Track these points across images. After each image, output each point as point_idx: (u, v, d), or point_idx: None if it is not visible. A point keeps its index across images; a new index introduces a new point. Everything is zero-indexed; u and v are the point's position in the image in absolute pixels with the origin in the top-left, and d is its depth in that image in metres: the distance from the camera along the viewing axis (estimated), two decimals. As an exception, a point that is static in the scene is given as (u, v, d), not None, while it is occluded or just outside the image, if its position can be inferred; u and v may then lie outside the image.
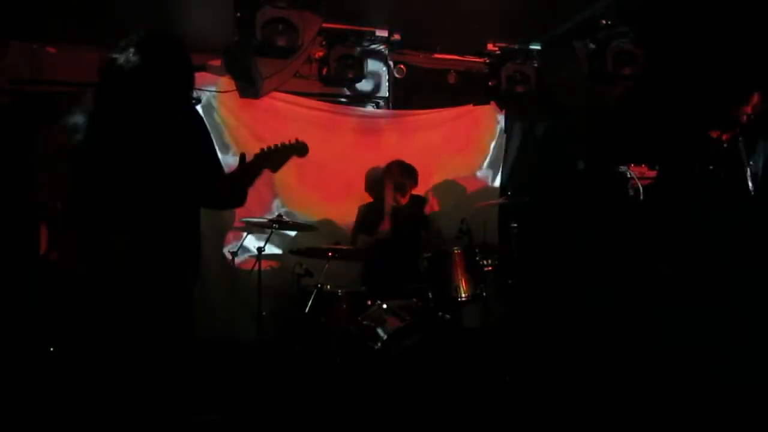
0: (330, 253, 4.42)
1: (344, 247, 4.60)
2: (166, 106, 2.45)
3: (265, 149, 2.81)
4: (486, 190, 5.94)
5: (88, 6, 4.11)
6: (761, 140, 4.19)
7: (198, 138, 2.66)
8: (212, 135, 5.03)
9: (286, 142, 2.88)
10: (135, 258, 2.36)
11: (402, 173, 5.05)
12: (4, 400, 3.15)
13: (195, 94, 2.58)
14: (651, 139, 5.34)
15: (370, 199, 5.43)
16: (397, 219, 5.05)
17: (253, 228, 4.83)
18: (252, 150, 5.21)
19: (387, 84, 5.70)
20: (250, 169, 2.75)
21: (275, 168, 2.84)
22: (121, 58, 2.37)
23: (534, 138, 6.16)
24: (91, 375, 2.34)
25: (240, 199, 2.84)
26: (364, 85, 5.52)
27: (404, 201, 5.07)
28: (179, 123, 2.55)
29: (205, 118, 4.86)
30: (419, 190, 5.34)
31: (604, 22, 4.84)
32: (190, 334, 2.64)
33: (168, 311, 2.45)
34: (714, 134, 4.36)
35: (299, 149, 2.92)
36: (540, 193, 5.54)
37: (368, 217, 5.20)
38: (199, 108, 4.78)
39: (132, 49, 2.37)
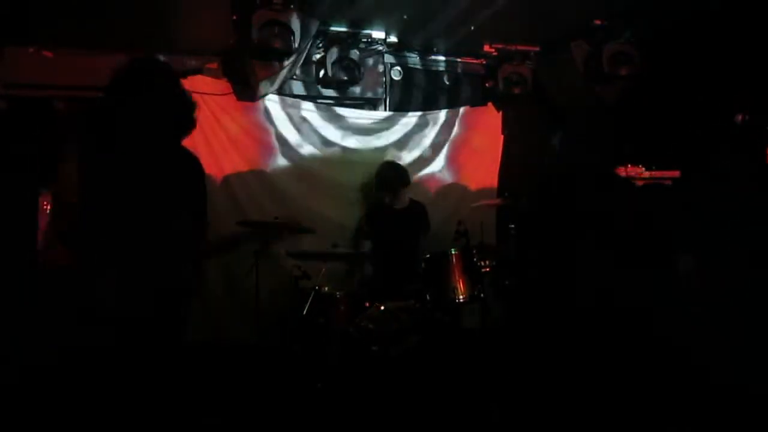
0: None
1: (342, 252, 4.61)
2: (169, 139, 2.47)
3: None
4: (483, 192, 5.95)
5: (85, 10, 4.10)
6: None
7: (192, 190, 2.66)
8: (210, 139, 5.13)
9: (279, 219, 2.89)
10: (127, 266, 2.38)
11: (394, 175, 5.05)
12: (3, 401, 3.16)
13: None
14: (648, 140, 5.36)
15: (370, 203, 5.46)
16: (397, 222, 5.05)
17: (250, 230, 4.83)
18: (249, 153, 5.29)
19: (384, 86, 5.71)
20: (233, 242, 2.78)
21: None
22: (126, 87, 2.39)
23: (531, 139, 6.17)
24: (89, 378, 2.35)
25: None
26: (361, 87, 5.52)
27: (402, 205, 5.08)
28: (179, 159, 2.57)
29: (202, 121, 4.99)
30: (417, 193, 5.36)
31: (598, 22, 4.85)
32: (181, 338, 2.66)
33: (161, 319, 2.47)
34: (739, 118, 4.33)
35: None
36: (537, 194, 5.55)
37: (369, 221, 5.20)
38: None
39: (137, 81, 2.39)
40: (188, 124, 2.56)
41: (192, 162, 2.65)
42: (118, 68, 2.45)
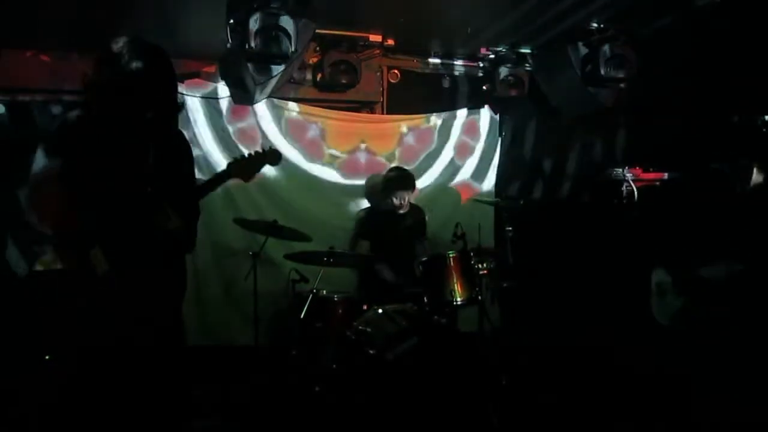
0: (326, 259, 4.42)
1: (340, 251, 4.61)
2: (151, 117, 2.44)
3: (238, 158, 2.83)
4: (481, 194, 5.96)
5: (83, 14, 4.11)
6: None
7: (180, 162, 2.66)
8: (208, 142, 5.14)
9: (259, 150, 2.89)
10: (116, 266, 2.38)
11: (401, 179, 5.05)
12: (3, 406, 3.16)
13: (179, 99, 2.58)
14: (645, 141, 5.37)
15: (368, 205, 5.46)
16: (397, 226, 5.06)
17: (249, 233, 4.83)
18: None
19: (381, 89, 5.71)
20: (217, 178, 2.76)
21: (247, 178, 2.85)
22: (105, 71, 2.37)
23: (528, 141, 6.19)
24: (89, 380, 2.35)
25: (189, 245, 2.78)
26: (359, 91, 5.52)
27: (403, 210, 5.08)
28: (164, 139, 2.56)
29: (204, 124, 5.00)
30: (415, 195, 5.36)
31: (596, 24, 4.86)
32: (181, 338, 2.66)
33: (156, 317, 2.47)
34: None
35: (271, 157, 2.93)
36: (535, 197, 5.56)
37: (367, 223, 5.21)
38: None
39: (115, 60, 2.36)
40: (173, 102, 2.54)
41: (178, 135, 2.68)
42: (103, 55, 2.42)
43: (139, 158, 2.46)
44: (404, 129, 5.75)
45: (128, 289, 2.40)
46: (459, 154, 5.93)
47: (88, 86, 2.44)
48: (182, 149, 2.71)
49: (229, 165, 2.81)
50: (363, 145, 5.63)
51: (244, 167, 2.82)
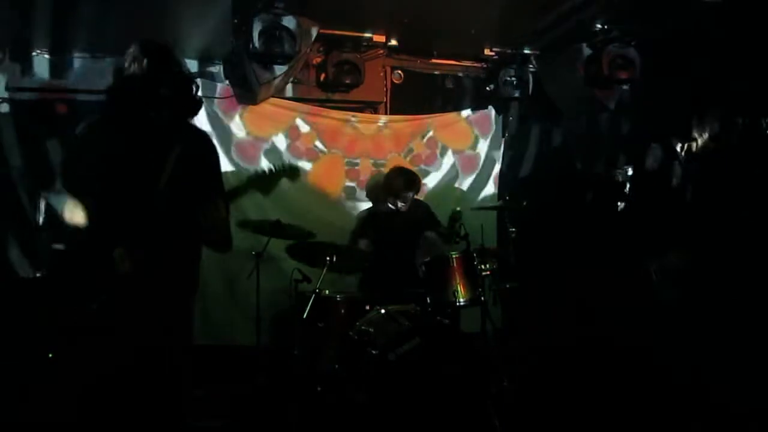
0: (328, 259, 4.42)
1: (343, 245, 4.61)
2: (174, 120, 2.46)
3: (258, 173, 2.83)
4: (484, 195, 5.96)
5: (88, 15, 4.12)
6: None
7: (206, 166, 2.67)
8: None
9: (278, 166, 2.90)
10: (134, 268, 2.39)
11: (404, 181, 5.02)
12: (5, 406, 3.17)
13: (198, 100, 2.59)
14: (649, 143, 5.37)
15: (370, 205, 5.46)
16: (398, 225, 5.05)
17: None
18: (249, 155, 5.31)
19: (385, 89, 5.71)
20: (235, 191, 2.77)
21: (265, 192, 2.86)
22: (126, 71, 2.39)
23: (531, 142, 6.19)
24: (92, 380, 2.36)
25: (226, 244, 2.79)
26: (362, 91, 5.53)
27: (404, 207, 5.07)
28: (189, 141, 2.57)
29: (204, 125, 5.01)
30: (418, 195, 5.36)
31: (599, 26, 4.86)
32: (190, 341, 2.67)
33: (167, 319, 2.48)
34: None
35: (290, 173, 2.93)
36: (538, 197, 5.55)
37: (368, 222, 5.20)
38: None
39: (136, 63, 2.38)
40: (190, 102, 2.54)
41: (202, 137, 2.69)
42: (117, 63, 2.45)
43: (158, 159, 2.47)
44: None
45: (144, 289, 2.40)
46: (461, 154, 5.94)
47: (107, 90, 2.46)
48: (207, 149, 2.72)
49: (248, 179, 2.82)
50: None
51: (262, 181, 2.83)
